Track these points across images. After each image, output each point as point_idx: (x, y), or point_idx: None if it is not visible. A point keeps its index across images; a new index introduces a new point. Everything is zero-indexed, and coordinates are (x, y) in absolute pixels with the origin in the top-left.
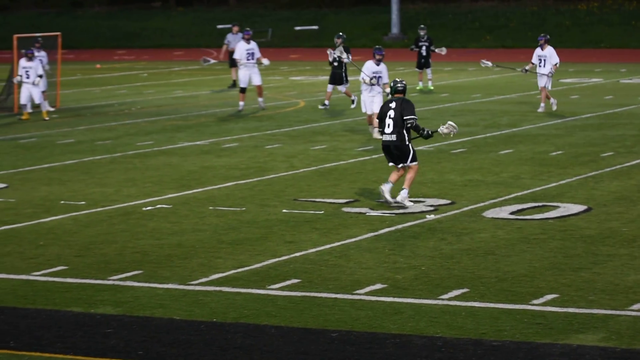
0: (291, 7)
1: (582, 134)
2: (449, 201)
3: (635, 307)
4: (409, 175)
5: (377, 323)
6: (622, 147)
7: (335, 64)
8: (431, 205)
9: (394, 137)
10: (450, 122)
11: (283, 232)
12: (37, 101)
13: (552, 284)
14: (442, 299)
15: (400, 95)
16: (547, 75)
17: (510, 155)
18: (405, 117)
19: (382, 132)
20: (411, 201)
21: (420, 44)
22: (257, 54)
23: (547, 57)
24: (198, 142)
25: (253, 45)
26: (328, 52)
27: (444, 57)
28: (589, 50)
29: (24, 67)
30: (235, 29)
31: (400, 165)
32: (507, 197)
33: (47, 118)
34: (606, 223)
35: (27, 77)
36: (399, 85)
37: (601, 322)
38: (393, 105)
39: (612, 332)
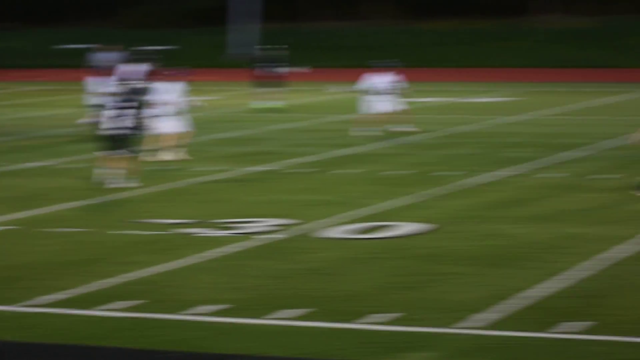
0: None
1: (420, 153)
2: (288, 220)
3: (465, 324)
4: None
5: (212, 344)
6: (465, 166)
7: None
8: (270, 225)
9: None
10: None
11: (118, 253)
12: None
13: (385, 303)
14: (276, 319)
15: None
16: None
17: (346, 175)
18: None
19: None
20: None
21: (265, 63)
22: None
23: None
24: (41, 163)
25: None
26: None
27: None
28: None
29: None
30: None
31: None
32: (341, 216)
33: None
34: (440, 242)
35: None
36: None
37: (433, 340)
38: None
39: (444, 350)
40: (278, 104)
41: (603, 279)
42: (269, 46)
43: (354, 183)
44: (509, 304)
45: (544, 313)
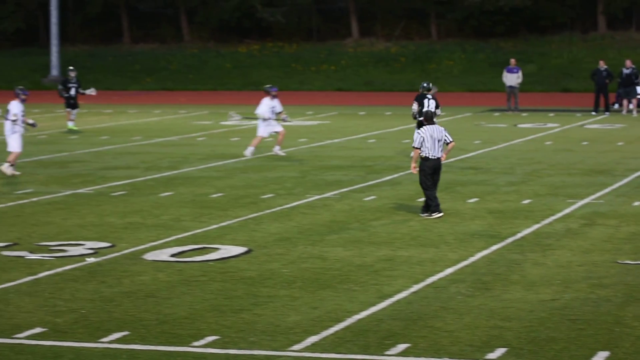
0: None
1: (242, 176)
2: (109, 244)
3: (295, 347)
4: None
5: None
6: (282, 189)
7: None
8: (91, 248)
9: None
10: None
11: None
12: None
13: (213, 326)
14: (103, 342)
15: None
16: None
17: (170, 198)
18: None
19: None
20: (68, 244)
21: (70, 85)
22: None
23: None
24: None
25: None
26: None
27: (99, 99)
28: (250, 93)
29: None
30: None
31: None
32: (167, 239)
33: None
34: (266, 264)
35: None
36: None
37: None
38: None
39: None
40: (73, 125)
41: (422, 301)
42: (71, 68)
43: (173, 206)
44: (328, 326)
45: (362, 335)
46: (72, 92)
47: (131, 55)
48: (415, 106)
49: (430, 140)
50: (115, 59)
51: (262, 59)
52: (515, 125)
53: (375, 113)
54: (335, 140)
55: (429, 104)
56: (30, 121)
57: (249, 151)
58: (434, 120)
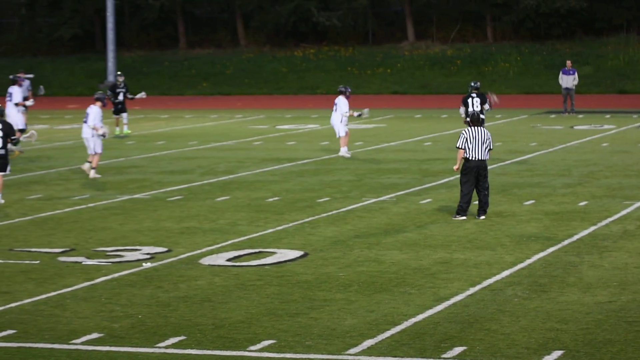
0: (6, 54)
1: (298, 179)
2: (165, 249)
3: (351, 351)
4: None
5: None
6: (338, 193)
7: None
8: (147, 253)
9: None
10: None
11: None
12: None
13: (269, 330)
14: (159, 347)
15: None
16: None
17: (227, 202)
18: None
19: None
20: (125, 249)
21: (118, 90)
22: None
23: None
24: None
25: None
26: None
27: (155, 104)
28: (306, 97)
29: None
30: (22, 73)
31: None
32: (223, 243)
33: None
34: (322, 268)
35: None
36: None
37: None
38: None
39: None
40: (125, 130)
41: (479, 304)
42: (118, 73)
43: (229, 210)
44: (385, 329)
45: (419, 338)
46: (120, 97)
47: (187, 60)
48: (462, 109)
49: (473, 141)
50: (171, 64)
51: (318, 62)
52: (571, 127)
53: (432, 116)
54: (392, 143)
55: (474, 103)
56: (102, 131)
57: (344, 151)
58: (482, 122)
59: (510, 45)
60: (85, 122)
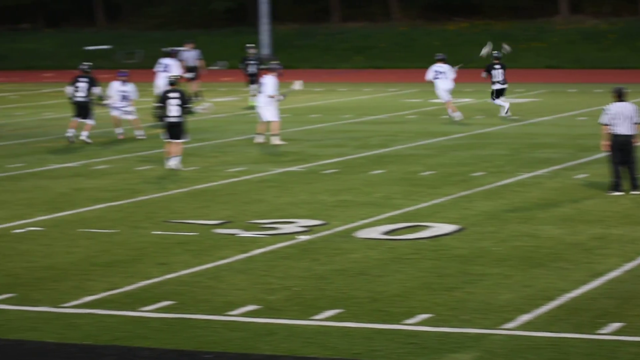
0: (160, 28)
1: (453, 153)
2: (320, 222)
3: (507, 325)
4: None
5: (251, 344)
6: (492, 167)
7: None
8: (303, 226)
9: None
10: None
11: (155, 254)
12: None
13: (425, 304)
14: (315, 320)
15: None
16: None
17: (381, 176)
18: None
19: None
20: (281, 222)
21: (248, 62)
22: (133, 96)
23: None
24: (69, 164)
25: (128, 87)
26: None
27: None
28: (459, 71)
29: None
30: (190, 45)
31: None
32: (378, 217)
33: None
34: (478, 242)
35: None
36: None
37: (474, 341)
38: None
39: (485, 351)
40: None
41: (635, 280)
42: (250, 45)
43: (384, 183)
44: (541, 304)
45: (575, 314)
46: (250, 69)
47: (340, 33)
48: (484, 74)
49: (616, 117)
50: (325, 37)
51: (471, 36)
52: None
53: (586, 91)
54: (546, 118)
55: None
56: (279, 98)
57: (457, 115)
58: (624, 98)
59: None
60: (260, 92)
